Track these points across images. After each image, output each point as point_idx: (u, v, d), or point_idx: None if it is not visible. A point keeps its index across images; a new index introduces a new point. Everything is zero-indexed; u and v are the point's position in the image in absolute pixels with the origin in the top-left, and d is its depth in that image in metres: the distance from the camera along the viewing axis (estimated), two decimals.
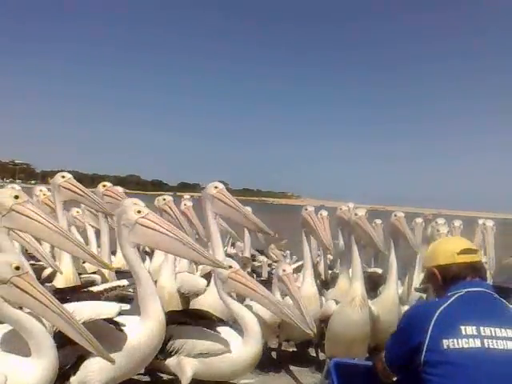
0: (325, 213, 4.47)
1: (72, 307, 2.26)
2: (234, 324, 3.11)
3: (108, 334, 2.36)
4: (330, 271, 5.34)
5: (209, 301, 3.50)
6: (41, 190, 4.12)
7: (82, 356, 2.37)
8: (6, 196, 2.20)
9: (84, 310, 2.34)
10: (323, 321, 3.96)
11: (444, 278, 2.10)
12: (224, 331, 2.96)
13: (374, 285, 4.30)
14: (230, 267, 3.01)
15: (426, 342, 1.85)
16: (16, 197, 2.22)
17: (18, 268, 1.97)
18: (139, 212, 2.46)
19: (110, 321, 2.39)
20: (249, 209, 3.70)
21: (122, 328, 2.40)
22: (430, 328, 1.86)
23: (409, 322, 2.03)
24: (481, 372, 1.77)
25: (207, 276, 3.87)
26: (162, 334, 2.49)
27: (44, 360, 1.99)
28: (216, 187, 3.51)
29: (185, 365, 2.89)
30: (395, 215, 4.23)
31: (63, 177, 3.52)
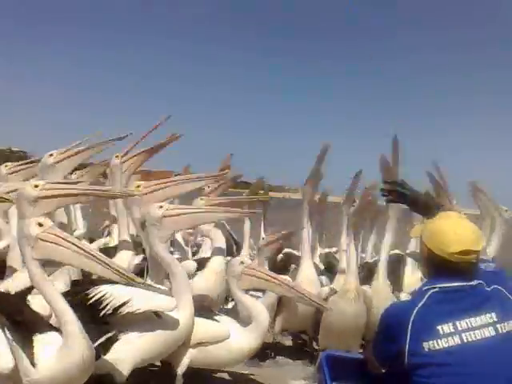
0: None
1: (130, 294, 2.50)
2: (228, 313, 3.20)
3: (146, 318, 2.58)
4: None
5: (201, 287, 3.51)
6: (6, 166, 3.75)
7: (112, 337, 2.55)
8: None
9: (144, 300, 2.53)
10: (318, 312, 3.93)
11: (431, 262, 2.04)
12: (222, 319, 3.02)
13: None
14: (242, 263, 3.07)
15: (407, 347, 1.86)
16: (40, 224, 2.18)
17: (40, 225, 2.16)
18: (161, 207, 2.76)
19: None
20: None
21: (160, 315, 2.62)
22: (409, 332, 1.86)
23: (386, 326, 2.04)
24: (465, 367, 1.79)
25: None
26: (192, 323, 2.77)
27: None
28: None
29: (181, 354, 2.90)
30: None
31: (51, 155, 3.31)
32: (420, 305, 1.92)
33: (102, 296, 2.48)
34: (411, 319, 1.88)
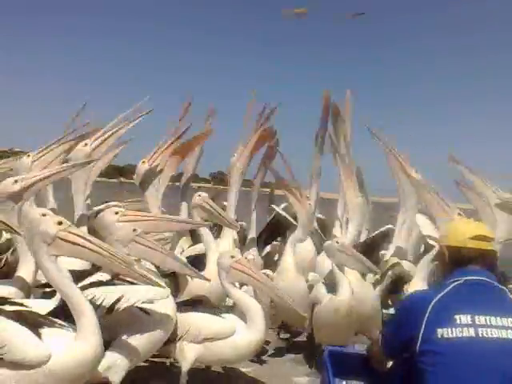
0: None
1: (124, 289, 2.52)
2: (232, 310, 3.19)
3: (136, 319, 2.57)
4: None
5: (205, 287, 3.50)
6: (28, 155, 3.60)
7: (109, 341, 2.51)
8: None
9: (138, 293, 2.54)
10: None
11: (451, 259, 2.11)
12: (227, 316, 3.05)
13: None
14: (232, 257, 3.10)
15: (421, 332, 1.87)
16: (59, 223, 2.20)
17: (60, 223, 2.18)
18: (117, 213, 2.92)
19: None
20: None
21: (149, 312, 2.63)
22: (426, 318, 1.88)
23: (405, 311, 2.06)
24: (473, 361, 1.79)
25: None
26: (175, 320, 2.80)
27: None
28: (199, 195, 3.99)
29: (187, 350, 2.93)
30: None
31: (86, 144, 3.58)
32: (442, 294, 1.95)
33: (92, 298, 2.42)
34: (431, 305, 1.90)
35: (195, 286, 3.56)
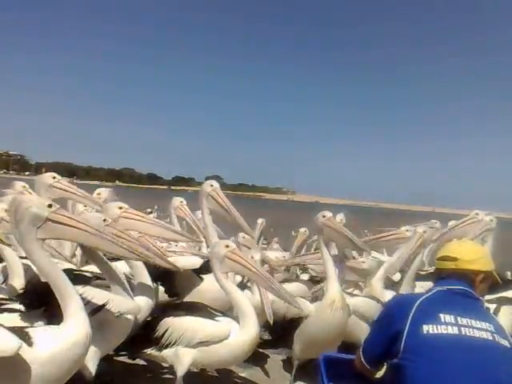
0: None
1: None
2: (231, 313, 3.12)
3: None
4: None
5: (208, 294, 3.51)
6: (24, 186, 4.01)
7: None
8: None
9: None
10: (295, 320, 3.60)
11: (434, 277, 2.30)
12: (221, 318, 2.99)
13: None
14: (227, 246, 3.01)
15: (407, 329, 1.94)
16: (50, 206, 2.17)
17: (50, 206, 2.16)
18: (120, 208, 3.10)
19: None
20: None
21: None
22: (411, 315, 1.96)
23: (390, 310, 2.13)
24: (457, 357, 1.86)
25: None
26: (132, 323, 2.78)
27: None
28: (212, 185, 3.79)
29: (182, 355, 2.88)
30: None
31: (54, 177, 3.61)
32: (426, 296, 2.06)
33: (81, 295, 2.40)
34: (416, 304, 1.99)
35: (200, 292, 3.57)
